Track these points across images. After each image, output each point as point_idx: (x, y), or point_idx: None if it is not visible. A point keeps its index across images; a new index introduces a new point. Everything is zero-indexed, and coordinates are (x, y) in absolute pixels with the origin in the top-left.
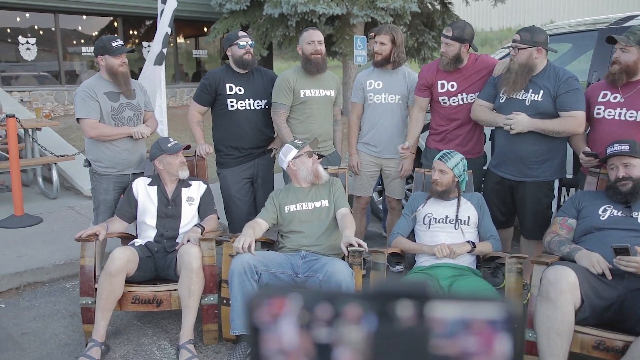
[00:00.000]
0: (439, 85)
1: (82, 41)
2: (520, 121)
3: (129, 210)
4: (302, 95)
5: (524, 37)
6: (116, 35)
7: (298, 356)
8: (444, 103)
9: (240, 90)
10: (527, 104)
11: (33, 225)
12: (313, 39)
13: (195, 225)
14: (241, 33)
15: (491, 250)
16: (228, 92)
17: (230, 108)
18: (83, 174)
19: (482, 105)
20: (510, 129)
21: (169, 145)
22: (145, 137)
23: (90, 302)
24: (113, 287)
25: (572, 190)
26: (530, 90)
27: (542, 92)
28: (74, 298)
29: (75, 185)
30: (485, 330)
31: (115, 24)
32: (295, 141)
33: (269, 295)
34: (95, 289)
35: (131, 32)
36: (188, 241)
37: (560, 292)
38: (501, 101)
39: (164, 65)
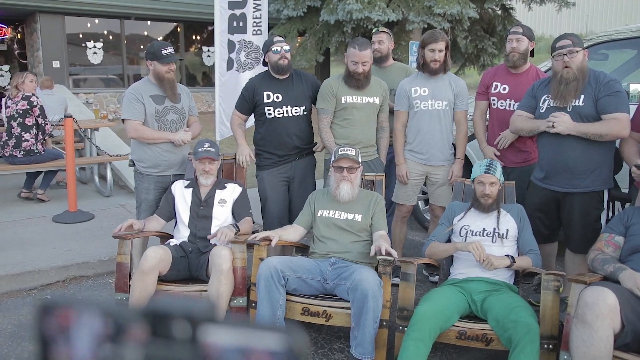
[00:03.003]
0: (493, 86)
1: (146, 46)
2: (565, 121)
3: (167, 209)
4: (343, 102)
5: (574, 40)
6: (178, 40)
7: None
8: (494, 105)
9: (278, 97)
10: (569, 110)
11: (85, 222)
12: (357, 61)
13: (231, 224)
14: (277, 38)
15: (530, 266)
16: (266, 100)
17: (268, 116)
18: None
19: (523, 114)
20: (552, 127)
21: (199, 149)
22: (185, 143)
23: (124, 298)
24: (145, 285)
25: (627, 205)
26: None
27: (582, 96)
28: (114, 293)
29: (128, 184)
30: None
31: (178, 29)
32: (340, 149)
33: (57, 305)
34: (130, 286)
35: (193, 37)
36: (218, 239)
37: (598, 315)
38: (541, 111)
39: (245, 72)
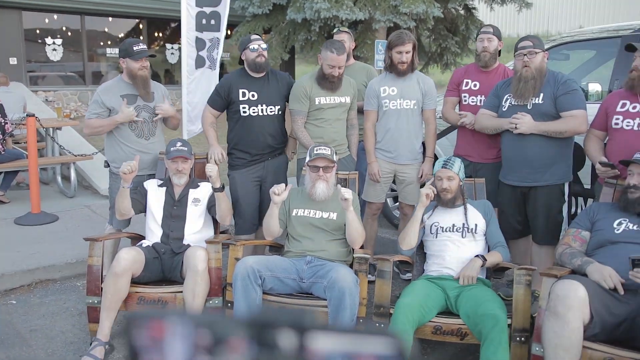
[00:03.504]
0: (464, 83)
1: (108, 42)
2: (526, 122)
3: (140, 200)
4: (317, 103)
5: (534, 42)
6: (140, 38)
7: None
8: (465, 101)
9: (253, 95)
10: (529, 107)
11: (49, 223)
12: (334, 65)
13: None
14: (254, 36)
15: (501, 260)
16: (241, 98)
17: (242, 114)
18: (100, 174)
19: (486, 113)
20: (515, 127)
21: (172, 149)
22: (133, 117)
23: (96, 302)
24: (118, 287)
25: (590, 201)
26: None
27: (542, 94)
28: (83, 297)
29: (93, 184)
30: None
31: (141, 26)
32: (315, 149)
33: (149, 317)
34: (102, 289)
35: (156, 34)
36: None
37: (569, 307)
38: (504, 109)
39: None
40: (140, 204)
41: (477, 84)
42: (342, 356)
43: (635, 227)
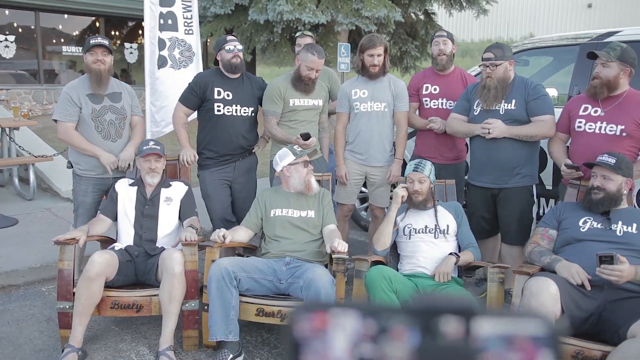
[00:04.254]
0: (424, 88)
1: (62, 40)
2: (498, 126)
3: (112, 207)
4: (291, 104)
5: (497, 54)
6: (117, 34)
7: None
8: (426, 105)
9: (228, 95)
10: (501, 113)
11: (8, 227)
12: (313, 67)
13: (189, 227)
14: (230, 37)
15: (473, 259)
16: (216, 97)
17: (217, 112)
18: (61, 175)
19: (458, 118)
20: (488, 132)
21: (144, 147)
22: (113, 168)
23: (67, 307)
24: (92, 292)
25: (552, 201)
26: (503, 101)
27: (514, 100)
28: (50, 302)
29: (53, 186)
30: (528, 347)
31: (97, 24)
32: (295, 147)
33: (310, 309)
34: (74, 293)
35: (113, 33)
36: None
37: (542, 303)
38: (475, 113)
39: (180, 69)
40: (114, 211)
41: (437, 87)
42: (501, 339)
43: (599, 226)
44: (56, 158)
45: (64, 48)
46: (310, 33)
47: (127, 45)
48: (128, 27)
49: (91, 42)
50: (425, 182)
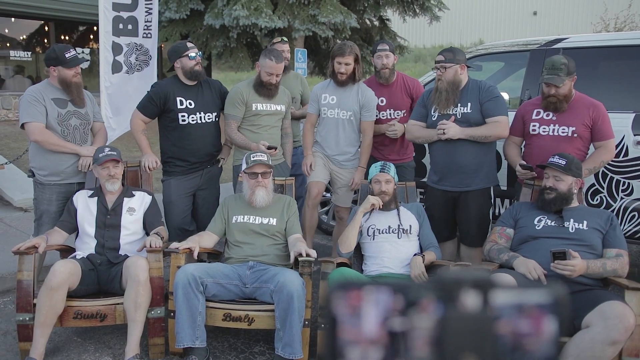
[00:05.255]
0: None
1: (8, 45)
2: (452, 127)
3: (70, 220)
4: (253, 109)
5: (447, 56)
6: (45, 41)
7: (374, 344)
8: (375, 116)
9: (190, 104)
10: (458, 117)
11: None
12: (273, 73)
13: (154, 233)
14: (190, 44)
15: (435, 258)
16: (179, 106)
17: (181, 122)
18: (13, 184)
19: (416, 124)
20: (443, 133)
21: (100, 155)
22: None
23: (27, 319)
24: (54, 302)
25: (507, 201)
26: (459, 104)
27: (469, 104)
28: (6, 315)
29: (5, 196)
30: (536, 314)
31: (47, 29)
32: (252, 156)
33: (347, 288)
34: (34, 305)
35: (63, 38)
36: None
37: None
38: (433, 119)
39: (134, 74)
40: (71, 224)
41: (384, 99)
42: (514, 308)
43: (553, 224)
44: (7, 167)
45: (12, 53)
46: (286, 39)
47: (78, 50)
48: (79, 32)
49: (66, 56)
50: (391, 183)
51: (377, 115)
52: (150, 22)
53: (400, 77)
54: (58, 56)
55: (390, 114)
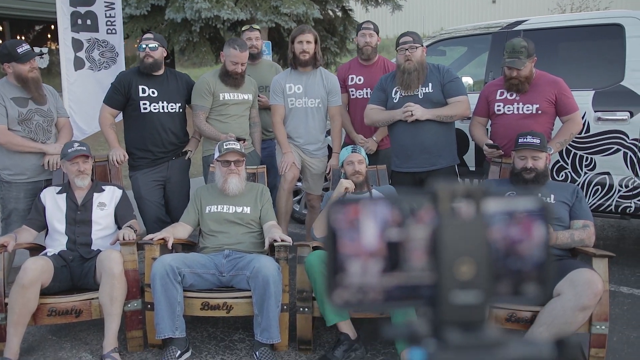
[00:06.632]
0: (349, 79)
1: None
2: (418, 108)
3: (38, 218)
4: (221, 99)
5: (414, 37)
6: (23, 39)
7: (373, 256)
8: (353, 95)
9: (153, 92)
10: (420, 97)
11: None
12: (238, 62)
13: (127, 226)
14: (146, 36)
15: None
16: (141, 94)
17: (143, 110)
18: None
19: (375, 108)
20: (411, 115)
21: (69, 150)
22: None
23: (0, 319)
24: (26, 300)
25: (475, 182)
26: (420, 85)
27: (430, 84)
28: None
29: None
30: (525, 220)
31: (1, 28)
32: (225, 144)
33: (345, 203)
34: (6, 304)
35: (19, 37)
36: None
37: None
38: (395, 101)
39: (101, 71)
40: (39, 222)
41: (362, 78)
42: (504, 214)
43: None
44: None
45: None
46: (258, 27)
47: (36, 49)
48: (35, 30)
49: (19, 51)
50: (363, 164)
51: (353, 95)
52: (114, 17)
53: (382, 59)
54: (10, 52)
55: (367, 92)
